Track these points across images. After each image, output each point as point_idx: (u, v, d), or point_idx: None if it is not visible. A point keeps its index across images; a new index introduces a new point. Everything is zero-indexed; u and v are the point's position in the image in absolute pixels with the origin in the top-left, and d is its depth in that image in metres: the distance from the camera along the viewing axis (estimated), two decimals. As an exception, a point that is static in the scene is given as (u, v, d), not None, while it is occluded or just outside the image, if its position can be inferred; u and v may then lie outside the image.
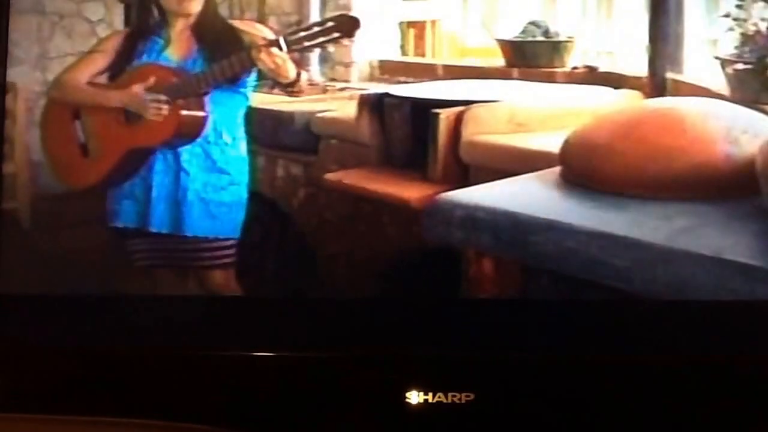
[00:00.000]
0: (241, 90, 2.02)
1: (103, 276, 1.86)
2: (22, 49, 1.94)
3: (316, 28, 1.93)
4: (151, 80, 1.99)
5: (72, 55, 2.12)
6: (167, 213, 2.02)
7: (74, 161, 2.04)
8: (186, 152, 2.00)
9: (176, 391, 1.61)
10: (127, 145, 1.99)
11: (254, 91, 2.04)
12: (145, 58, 2.02)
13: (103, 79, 2.03)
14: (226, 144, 2.01)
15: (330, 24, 1.92)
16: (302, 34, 1.94)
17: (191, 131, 1.98)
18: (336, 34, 1.92)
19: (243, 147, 2.04)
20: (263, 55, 1.93)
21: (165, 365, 1.62)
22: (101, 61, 2.02)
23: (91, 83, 2.03)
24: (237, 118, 2.03)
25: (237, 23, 2.09)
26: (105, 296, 1.74)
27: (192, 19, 2.02)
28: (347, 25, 1.92)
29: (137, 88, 1.98)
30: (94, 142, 2.02)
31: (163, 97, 1.97)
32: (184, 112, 1.97)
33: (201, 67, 1.99)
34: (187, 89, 1.97)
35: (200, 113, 1.98)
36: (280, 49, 1.93)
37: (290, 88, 1.98)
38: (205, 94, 1.97)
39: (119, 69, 2.02)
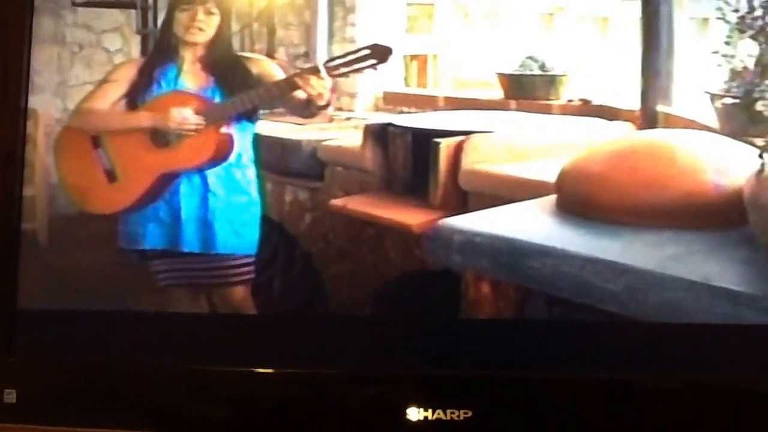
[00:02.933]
0: (256, 115, 2.05)
1: (118, 293, 1.89)
2: (43, 78, 1.96)
3: (352, 56, 2.00)
4: (182, 104, 2.01)
5: (91, 84, 2.14)
6: (197, 233, 2.03)
7: (100, 188, 2.04)
8: (212, 175, 2.02)
9: (182, 406, 1.65)
10: (159, 170, 2.01)
11: (260, 119, 2.07)
12: (163, 86, 2.04)
13: (121, 106, 2.04)
14: (245, 166, 2.04)
15: (365, 52, 1.98)
16: (339, 61, 2.00)
17: (223, 154, 2.02)
18: (371, 61, 1.98)
19: (253, 169, 2.06)
20: (311, 81, 1.98)
21: (171, 380, 1.65)
22: (119, 89, 2.04)
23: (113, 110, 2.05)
24: (249, 141, 2.06)
25: (245, 55, 2.13)
26: (119, 312, 1.76)
27: (201, 51, 2.05)
28: (380, 53, 1.99)
29: (170, 111, 2.00)
30: (123, 168, 2.02)
31: (197, 117, 2.00)
32: (219, 136, 2.01)
33: (219, 96, 2.02)
34: (217, 115, 2.00)
35: (229, 136, 2.02)
36: (320, 75, 1.99)
37: (320, 110, 2.02)
38: (234, 119, 2.01)
39: (137, 97, 2.03)
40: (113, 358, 1.67)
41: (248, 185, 2.05)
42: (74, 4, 2.17)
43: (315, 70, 1.99)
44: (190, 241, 2.04)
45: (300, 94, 2.02)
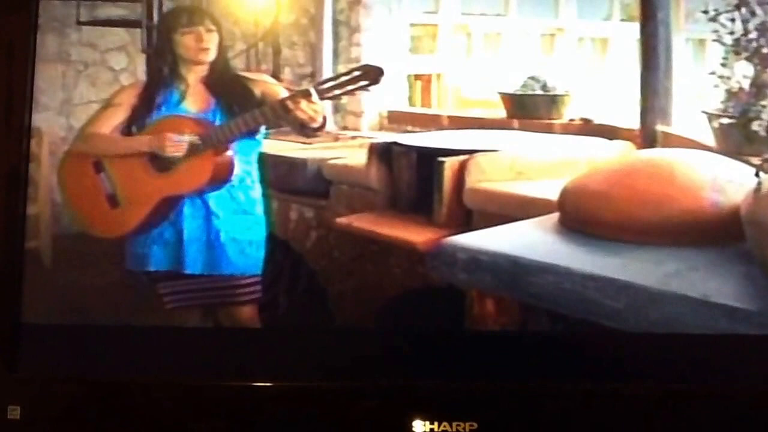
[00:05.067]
0: (256, 135, 2.05)
1: (121, 310, 1.89)
2: (47, 96, 1.98)
3: (344, 78, 1.99)
4: (179, 129, 2.01)
5: (96, 103, 2.15)
6: (201, 255, 2.04)
7: (103, 212, 2.05)
8: (213, 197, 2.03)
9: (186, 421, 1.65)
10: (159, 194, 2.02)
11: (266, 137, 2.08)
12: (163, 110, 2.04)
13: (122, 130, 2.04)
14: (248, 186, 2.05)
15: (356, 73, 1.98)
16: (331, 83, 1.99)
17: (222, 176, 2.03)
18: (363, 82, 1.97)
19: (259, 188, 2.07)
20: (301, 105, 1.97)
21: (176, 395, 1.65)
22: (121, 114, 2.04)
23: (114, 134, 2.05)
24: (253, 162, 2.06)
25: (246, 75, 2.14)
26: (122, 328, 1.77)
27: (204, 71, 2.06)
28: (372, 74, 1.98)
29: (167, 134, 2.00)
30: (125, 193, 2.03)
31: (194, 139, 1.99)
32: (217, 159, 2.01)
33: (220, 117, 2.03)
34: (214, 139, 2.00)
35: (229, 159, 2.02)
36: (311, 99, 1.97)
37: (315, 132, 2.02)
38: (232, 142, 2.01)
39: (139, 121, 2.04)
40: (117, 373, 1.67)
41: (252, 205, 2.06)
42: (79, 23, 2.19)
43: (306, 94, 1.98)
44: (194, 263, 2.04)
45: (295, 119, 2.01)
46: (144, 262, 2.05)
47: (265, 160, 2.09)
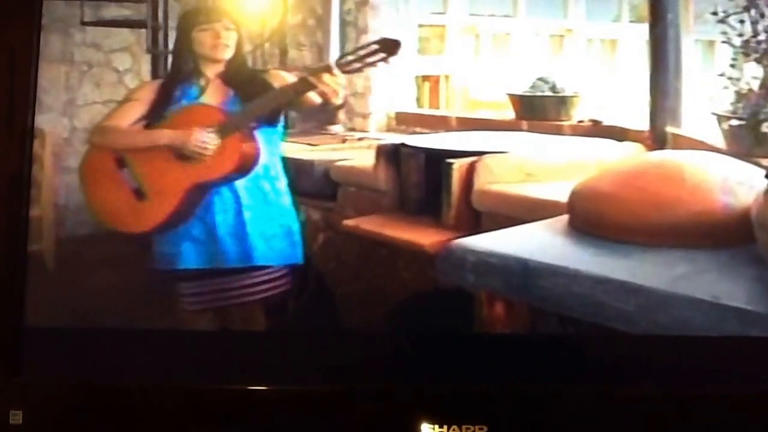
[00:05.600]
0: (278, 126, 2.06)
1: (125, 313, 1.87)
2: (50, 97, 1.98)
3: (362, 51, 1.99)
4: (198, 118, 2.00)
5: (100, 103, 2.16)
6: (235, 248, 2.03)
7: (129, 207, 2.03)
8: (243, 188, 2.03)
9: (191, 425, 1.63)
10: (187, 182, 2.00)
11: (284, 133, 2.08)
12: (183, 103, 2.04)
13: (141, 124, 2.03)
14: (274, 177, 2.05)
15: (375, 47, 1.98)
16: (350, 57, 1.99)
17: (249, 164, 2.02)
18: (381, 55, 1.97)
19: (284, 179, 2.07)
20: (324, 78, 1.96)
21: (180, 398, 1.63)
22: (139, 108, 2.03)
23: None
24: (276, 153, 2.06)
25: (260, 69, 2.17)
26: (125, 331, 1.74)
27: (221, 67, 2.06)
28: (390, 46, 1.98)
29: (187, 126, 1.99)
30: (151, 186, 2.02)
31: (213, 134, 1.99)
32: (243, 145, 2.00)
33: (236, 106, 2.03)
34: (237, 121, 1.99)
35: (255, 146, 2.01)
36: (333, 72, 1.97)
37: (337, 110, 2.07)
38: (253, 122, 2.01)
39: (157, 115, 2.03)
40: (120, 377, 1.65)
41: (279, 196, 2.06)
42: (83, 23, 2.18)
43: (327, 68, 1.98)
44: (230, 256, 2.03)
45: (314, 98, 2.01)
46: (175, 260, 2.03)
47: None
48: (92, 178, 2.04)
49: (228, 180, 2.02)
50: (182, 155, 1.99)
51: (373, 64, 1.98)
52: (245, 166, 2.01)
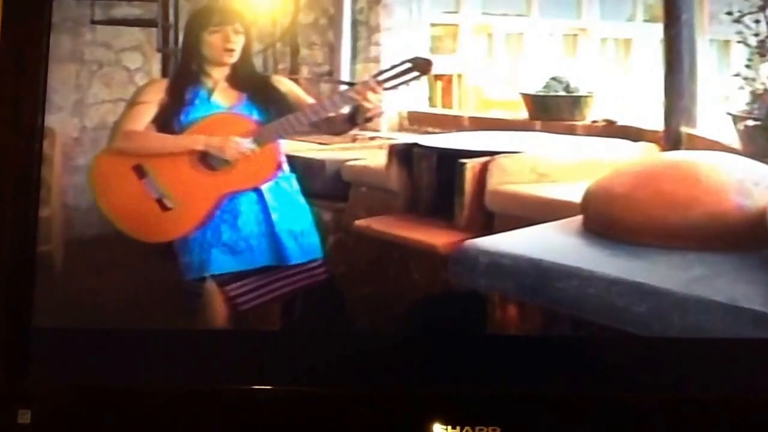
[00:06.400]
0: None
1: (131, 314, 1.87)
2: (60, 96, 1.96)
3: (397, 69, 2.02)
4: (230, 128, 2.02)
5: (110, 103, 2.15)
6: (270, 248, 2.04)
7: (153, 217, 2.02)
8: (268, 190, 2.04)
9: (202, 426, 1.64)
10: (217, 192, 2.01)
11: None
12: (197, 105, 2.03)
13: (154, 128, 2.03)
14: (289, 176, 2.07)
15: (408, 65, 2.01)
16: (387, 75, 2.02)
17: (277, 170, 2.04)
18: (415, 74, 2.02)
19: (295, 178, 2.08)
20: (368, 95, 2.00)
21: (189, 400, 1.64)
22: (151, 111, 2.03)
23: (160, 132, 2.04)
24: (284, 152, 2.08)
25: (265, 74, 2.17)
26: (133, 331, 1.75)
27: (228, 70, 2.05)
28: (422, 66, 2.03)
29: (222, 134, 2.00)
30: (176, 195, 2.01)
31: (251, 144, 2.00)
32: (272, 154, 2.02)
33: (256, 111, 2.04)
34: (273, 135, 2.01)
35: (278, 151, 2.04)
36: (375, 89, 2.01)
37: (367, 122, 2.06)
38: (287, 137, 2.05)
39: (171, 117, 2.03)
40: (128, 378, 1.67)
41: (297, 195, 2.07)
42: (93, 22, 2.17)
43: (369, 85, 2.01)
44: (263, 256, 2.04)
45: (342, 110, 2.04)
46: (206, 267, 2.02)
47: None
48: (109, 185, 2.03)
49: (257, 187, 2.04)
50: (209, 164, 2.00)
51: (407, 82, 2.02)
52: (275, 172, 2.04)
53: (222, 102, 2.05)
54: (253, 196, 2.04)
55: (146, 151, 2.03)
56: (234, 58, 2.06)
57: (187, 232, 2.02)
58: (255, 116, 2.04)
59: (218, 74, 2.06)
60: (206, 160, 2.01)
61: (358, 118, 2.03)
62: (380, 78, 2.02)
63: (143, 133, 2.02)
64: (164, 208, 2.01)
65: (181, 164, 2.02)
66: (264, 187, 2.04)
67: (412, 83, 2.04)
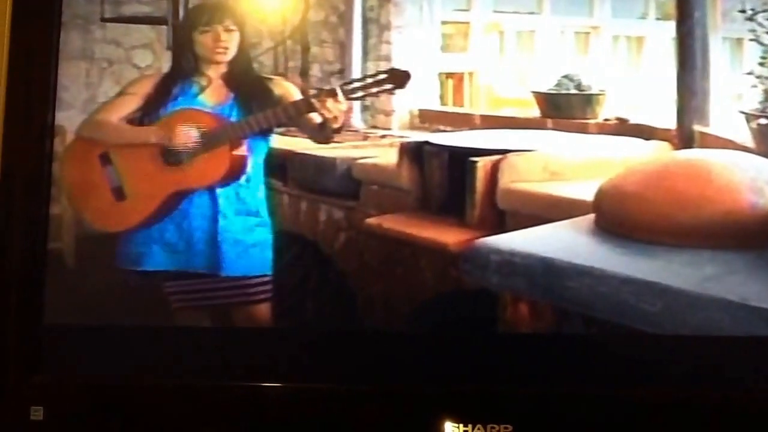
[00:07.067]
0: (269, 136, 2.05)
1: (143, 311, 1.88)
2: (70, 94, 1.96)
3: (370, 80, 2.01)
4: (192, 123, 2.01)
5: None
6: (207, 254, 2.03)
7: (106, 206, 2.02)
8: (221, 196, 2.03)
9: (214, 423, 1.65)
10: (170, 188, 2.00)
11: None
12: (180, 101, 2.04)
13: (135, 120, 2.04)
14: (255, 188, 2.05)
15: (383, 76, 2.00)
16: (357, 84, 2.01)
17: (236, 173, 2.02)
18: (388, 86, 1.99)
19: (263, 190, 2.06)
20: (327, 103, 1.99)
21: (201, 396, 1.65)
22: (133, 103, 2.04)
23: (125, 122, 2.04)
24: (260, 163, 2.05)
25: (264, 76, 2.14)
26: (145, 328, 1.76)
27: (223, 69, 2.06)
28: (399, 78, 2.00)
29: (179, 128, 2.00)
30: (133, 186, 2.01)
31: (207, 133, 1.99)
32: (232, 155, 2.00)
33: (237, 113, 2.03)
34: (231, 134, 2.00)
35: (243, 156, 2.01)
36: (337, 98, 1.99)
37: (332, 134, 2.03)
38: (247, 138, 2.01)
39: (152, 111, 2.03)
40: (140, 374, 1.67)
41: (257, 205, 2.06)
42: (103, 20, 2.17)
43: (332, 93, 2.00)
44: (201, 262, 2.03)
45: (314, 117, 2.03)
46: (140, 261, 2.02)
47: (292, 159, 2.11)
48: (73, 169, 2.01)
49: (212, 188, 2.02)
50: (171, 159, 1.99)
51: (376, 94, 2.00)
52: (232, 176, 2.02)
53: (208, 101, 2.05)
54: (206, 199, 2.03)
55: (106, 140, 2.03)
56: (228, 56, 2.06)
57: (135, 225, 2.01)
58: (233, 117, 2.03)
59: (213, 72, 2.07)
60: (167, 155, 2.00)
61: (325, 129, 2.02)
62: (349, 87, 2.01)
63: (107, 123, 2.02)
64: (119, 197, 2.01)
65: (144, 156, 2.01)
66: (220, 192, 2.03)
67: (388, 93, 2.01)
